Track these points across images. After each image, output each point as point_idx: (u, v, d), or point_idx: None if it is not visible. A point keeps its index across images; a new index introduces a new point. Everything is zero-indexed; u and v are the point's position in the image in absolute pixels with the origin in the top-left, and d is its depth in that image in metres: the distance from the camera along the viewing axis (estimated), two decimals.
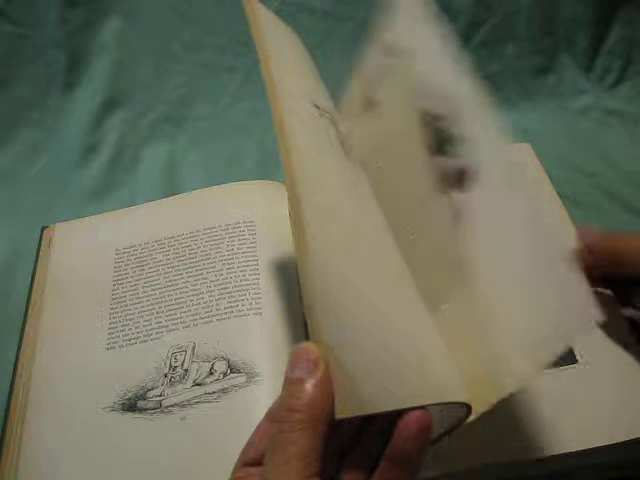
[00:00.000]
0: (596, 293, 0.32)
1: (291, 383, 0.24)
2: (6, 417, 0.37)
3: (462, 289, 0.30)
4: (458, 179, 0.32)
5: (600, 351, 0.36)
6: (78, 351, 0.40)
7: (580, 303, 0.26)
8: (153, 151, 0.60)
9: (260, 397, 0.35)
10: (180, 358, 0.38)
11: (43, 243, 0.47)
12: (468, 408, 0.25)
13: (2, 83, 0.59)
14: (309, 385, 0.23)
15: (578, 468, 0.35)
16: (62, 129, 0.60)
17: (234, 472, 0.26)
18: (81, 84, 0.61)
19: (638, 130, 0.62)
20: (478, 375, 0.27)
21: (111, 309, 0.41)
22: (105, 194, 0.57)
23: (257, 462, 0.25)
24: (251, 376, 0.36)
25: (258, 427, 0.27)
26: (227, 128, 0.62)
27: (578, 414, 0.34)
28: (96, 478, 0.34)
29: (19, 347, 0.41)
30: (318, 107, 0.33)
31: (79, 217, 0.49)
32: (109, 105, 0.61)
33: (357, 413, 0.23)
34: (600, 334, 0.37)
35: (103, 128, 0.60)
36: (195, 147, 0.61)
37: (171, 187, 0.57)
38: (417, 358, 0.26)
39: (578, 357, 0.36)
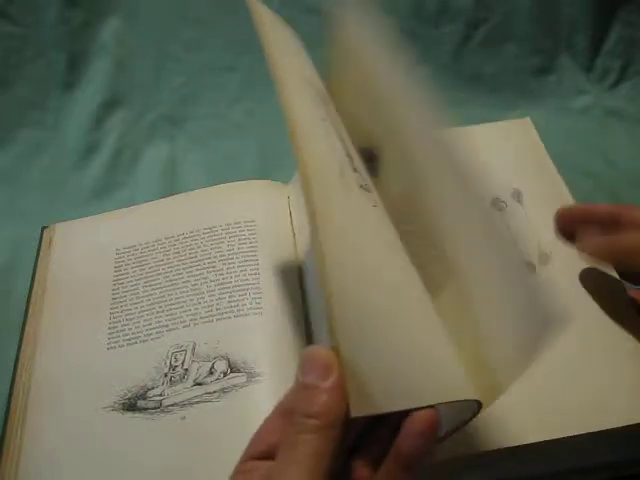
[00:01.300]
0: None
1: (305, 389, 0.24)
2: (6, 417, 0.38)
3: (452, 284, 0.30)
4: None
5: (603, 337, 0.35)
6: (78, 351, 0.40)
7: (545, 306, 0.25)
8: (153, 151, 0.60)
9: (260, 397, 0.35)
10: (180, 358, 0.38)
11: (43, 243, 0.47)
12: (479, 405, 0.25)
13: (2, 83, 0.59)
14: (323, 392, 0.23)
15: (577, 469, 0.35)
16: (62, 129, 0.60)
17: (240, 464, 0.26)
18: (81, 84, 0.61)
19: (638, 130, 0.62)
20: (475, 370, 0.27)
21: (111, 309, 0.41)
22: (105, 194, 0.57)
23: (264, 456, 0.25)
24: (251, 376, 0.36)
25: (266, 421, 0.27)
26: (227, 128, 0.62)
27: (576, 397, 0.33)
28: (96, 478, 0.35)
29: (19, 347, 0.41)
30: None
31: (79, 217, 0.49)
32: (109, 105, 0.61)
33: (370, 412, 0.23)
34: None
35: (103, 128, 0.60)
36: (195, 147, 0.61)
37: (171, 187, 0.57)
38: (427, 357, 0.26)
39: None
